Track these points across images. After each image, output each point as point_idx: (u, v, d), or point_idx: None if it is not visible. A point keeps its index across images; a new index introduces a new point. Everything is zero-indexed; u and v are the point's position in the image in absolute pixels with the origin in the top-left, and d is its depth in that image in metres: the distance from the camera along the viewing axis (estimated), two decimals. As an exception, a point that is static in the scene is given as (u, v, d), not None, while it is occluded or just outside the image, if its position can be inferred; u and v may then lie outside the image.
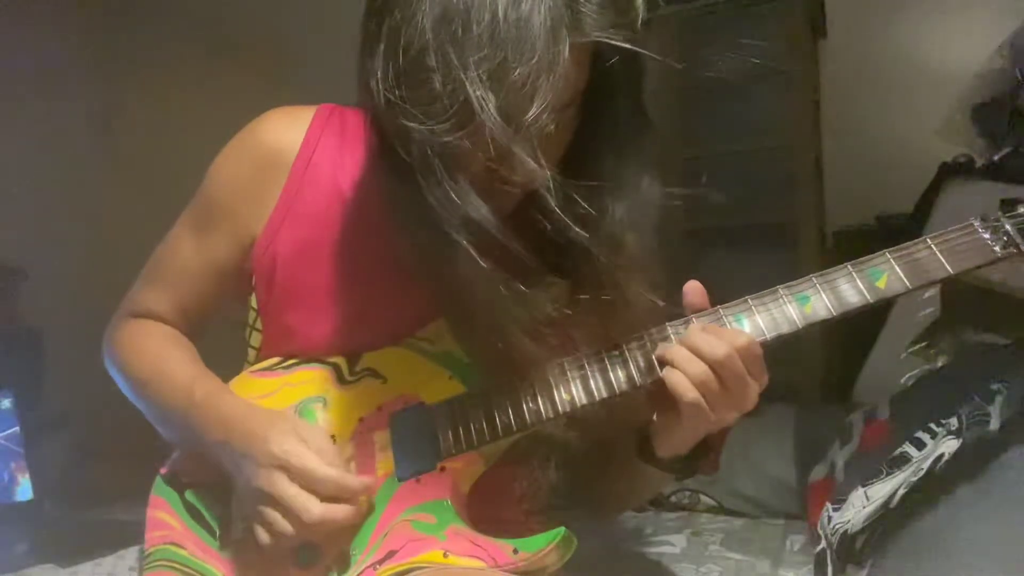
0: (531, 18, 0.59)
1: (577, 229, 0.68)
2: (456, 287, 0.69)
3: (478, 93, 0.59)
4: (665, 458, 0.79)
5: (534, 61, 0.59)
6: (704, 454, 0.80)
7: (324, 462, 0.74)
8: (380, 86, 0.63)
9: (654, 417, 0.79)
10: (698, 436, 0.77)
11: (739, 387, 0.71)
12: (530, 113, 0.60)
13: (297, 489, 0.73)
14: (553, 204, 0.66)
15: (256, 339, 0.90)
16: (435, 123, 0.60)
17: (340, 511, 0.74)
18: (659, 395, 0.74)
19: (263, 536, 0.75)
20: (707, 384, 0.70)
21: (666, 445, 0.78)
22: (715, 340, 0.70)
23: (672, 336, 0.75)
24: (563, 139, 0.71)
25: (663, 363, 0.73)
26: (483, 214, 0.64)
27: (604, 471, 0.91)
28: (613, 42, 0.64)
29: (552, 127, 0.63)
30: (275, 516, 0.74)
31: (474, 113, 0.59)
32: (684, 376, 0.71)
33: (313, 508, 0.73)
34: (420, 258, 0.71)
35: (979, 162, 1.71)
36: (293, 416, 0.81)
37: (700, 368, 0.70)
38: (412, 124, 0.61)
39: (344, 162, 0.84)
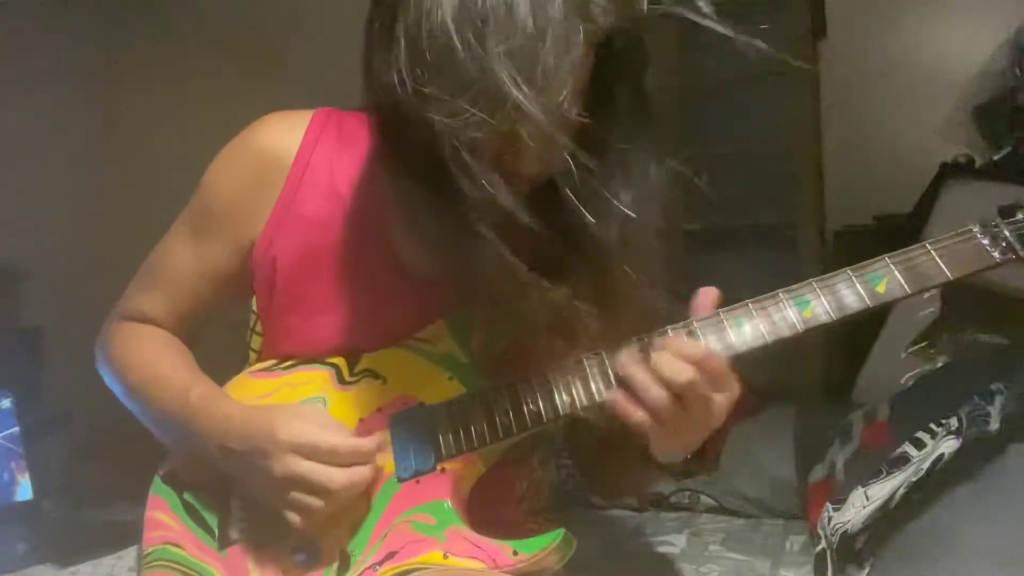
0: (545, 6, 0.60)
1: (589, 216, 0.68)
2: (477, 279, 0.68)
3: (510, 79, 0.59)
4: (661, 461, 0.79)
5: (555, 47, 0.60)
6: (704, 457, 0.79)
7: (331, 433, 0.76)
8: (407, 82, 0.62)
9: None
10: (682, 446, 0.76)
11: (702, 408, 0.70)
12: (551, 102, 0.61)
13: (315, 463, 0.74)
14: (570, 191, 0.67)
15: (256, 342, 0.90)
16: (465, 114, 0.61)
17: (362, 472, 0.76)
18: None
19: (294, 519, 0.76)
20: (663, 410, 0.69)
21: (658, 451, 0.78)
22: (680, 365, 0.68)
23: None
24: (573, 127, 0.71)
25: (620, 382, 0.72)
26: (510, 199, 0.64)
27: (610, 463, 0.90)
28: (624, 24, 0.65)
29: (575, 110, 0.64)
30: (301, 496, 0.74)
31: (503, 101, 0.60)
32: (631, 400, 0.70)
33: (336, 475, 0.74)
34: (439, 253, 0.71)
35: (979, 162, 1.71)
36: (289, 404, 0.82)
37: (658, 395, 0.69)
38: (442, 117, 0.61)
39: (342, 165, 0.84)
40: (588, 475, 0.94)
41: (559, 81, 0.61)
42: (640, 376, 0.70)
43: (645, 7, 0.66)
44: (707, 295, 0.75)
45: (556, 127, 0.62)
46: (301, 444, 0.74)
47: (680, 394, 0.69)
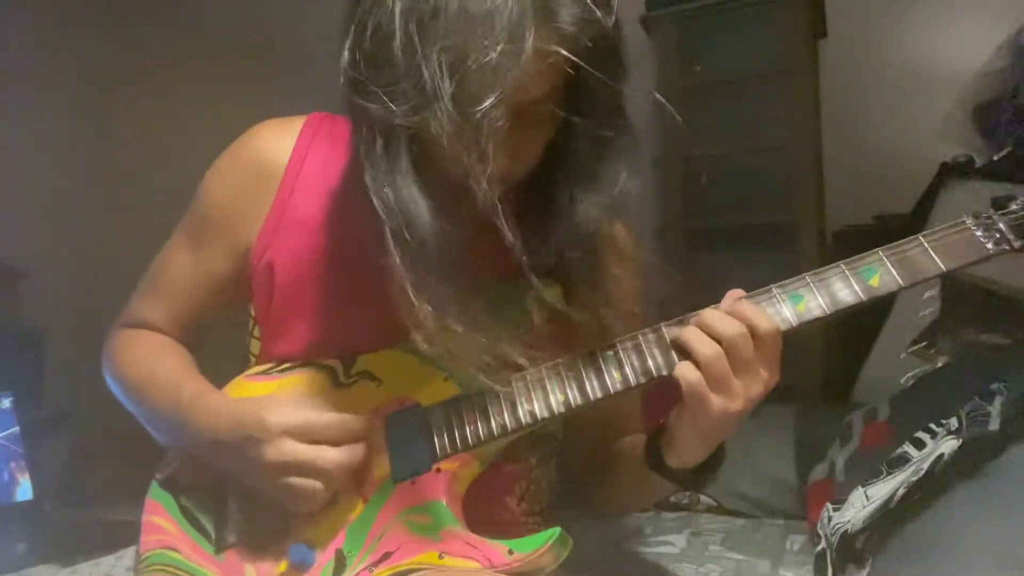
0: (498, 9, 0.59)
1: (512, 237, 0.66)
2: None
3: (435, 80, 0.60)
4: (673, 468, 0.79)
5: (495, 53, 0.59)
6: (713, 468, 0.80)
7: (319, 413, 0.76)
8: (346, 68, 0.64)
9: (666, 421, 0.78)
10: (706, 440, 0.76)
11: (745, 373, 0.71)
12: (483, 105, 0.60)
13: (308, 445, 0.75)
14: (490, 205, 0.65)
15: (255, 346, 0.90)
16: (391, 105, 0.61)
17: (356, 449, 0.76)
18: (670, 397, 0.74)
19: (294, 505, 0.76)
20: (714, 366, 0.70)
21: (677, 453, 0.78)
22: (728, 319, 0.70)
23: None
24: (542, 135, 0.71)
25: (676, 345, 0.73)
26: (420, 205, 0.65)
27: (606, 475, 0.91)
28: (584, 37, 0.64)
29: (502, 122, 0.62)
30: (297, 480, 0.75)
31: (431, 99, 0.60)
32: (690, 362, 0.71)
33: (329, 454, 0.75)
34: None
35: (979, 162, 1.71)
36: (274, 395, 0.82)
37: (711, 349, 0.70)
38: (370, 104, 0.62)
39: (335, 168, 0.84)
40: (582, 490, 0.94)
41: (492, 90, 0.60)
42: (692, 333, 0.71)
43: (613, 16, 0.65)
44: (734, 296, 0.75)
45: (482, 135, 0.61)
46: (293, 425, 0.75)
47: (729, 349, 0.69)
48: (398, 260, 0.66)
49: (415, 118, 0.61)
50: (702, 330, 0.71)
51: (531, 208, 0.71)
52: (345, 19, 0.66)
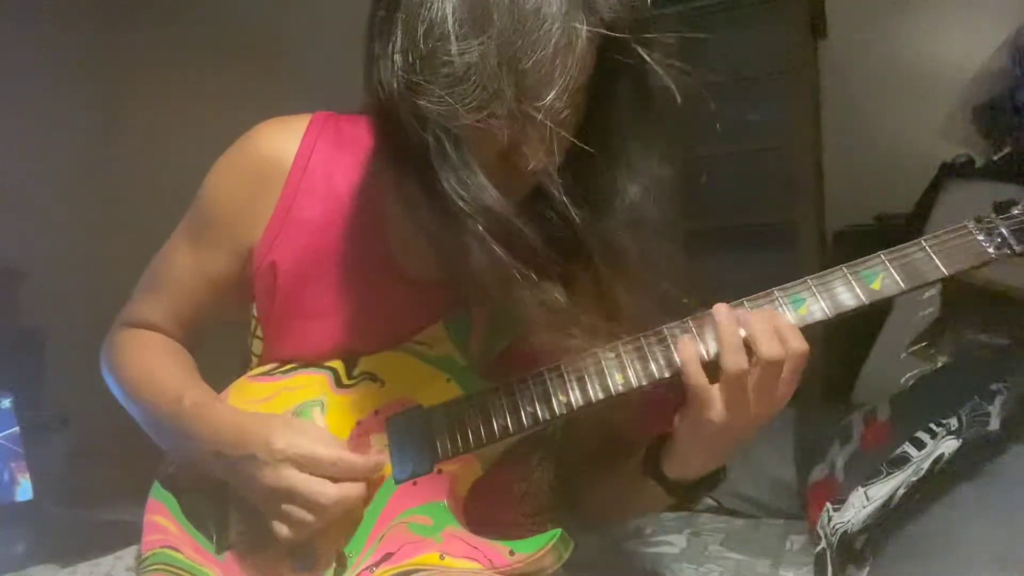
0: (549, 3, 0.60)
1: (577, 216, 0.68)
2: (473, 279, 0.68)
3: (497, 78, 0.60)
4: (669, 477, 0.79)
5: (551, 46, 0.60)
6: (711, 484, 0.79)
7: (329, 447, 0.76)
8: (399, 71, 0.62)
9: (670, 427, 0.78)
10: (705, 451, 0.76)
11: (761, 392, 0.70)
12: (547, 98, 0.61)
13: (308, 476, 0.74)
14: (560, 193, 0.67)
15: (257, 346, 0.90)
16: (455, 105, 0.61)
17: (355, 488, 0.76)
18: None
19: (283, 531, 0.76)
20: (736, 378, 0.69)
21: (675, 462, 0.78)
22: (775, 342, 0.69)
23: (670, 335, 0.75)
24: (575, 123, 0.71)
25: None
26: (494, 198, 0.64)
27: (601, 480, 0.91)
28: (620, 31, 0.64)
29: (567, 112, 0.63)
30: (293, 508, 0.74)
31: (493, 97, 0.60)
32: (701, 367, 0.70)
33: (329, 490, 0.74)
34: (437, 253, 0.71)
35: (979, 162, 1.71)
36: (285, 415, 0.82)
37: (739, 365, 0.69)
38: (432, 106, 0.61)
39: (340, 168, 0.84)
40: (573, 493, 0.94)
41: (554, 83, 0.61)
42: (730, 338, 0.70)
43: (648, 2, 0.66)
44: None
45: (546, 128, 0.62)
46: (299, 456, 0.74)
47: (755, 367, 0.69)
48: (502, 255, 0.65)
49: (481, 116, 0.61)
50: (743, 337, 0.70)
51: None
52: (381, 21, 0.64)
